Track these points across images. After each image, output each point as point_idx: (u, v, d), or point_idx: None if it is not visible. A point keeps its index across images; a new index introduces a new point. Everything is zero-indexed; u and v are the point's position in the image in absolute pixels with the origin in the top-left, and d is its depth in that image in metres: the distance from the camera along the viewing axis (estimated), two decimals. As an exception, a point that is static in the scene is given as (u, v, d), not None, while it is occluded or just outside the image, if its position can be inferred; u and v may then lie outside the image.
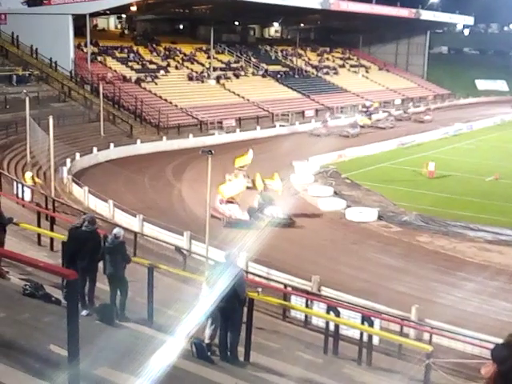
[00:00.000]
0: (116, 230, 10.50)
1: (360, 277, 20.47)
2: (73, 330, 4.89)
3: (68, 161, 31.59)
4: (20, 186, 23.05)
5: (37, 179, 27.33)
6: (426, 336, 14.27)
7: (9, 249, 10.22)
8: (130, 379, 6.46)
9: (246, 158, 30.48)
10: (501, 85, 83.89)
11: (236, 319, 9.24)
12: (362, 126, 51.67)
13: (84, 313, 9.61)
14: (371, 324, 11.80)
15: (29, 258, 5.40)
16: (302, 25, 78.97)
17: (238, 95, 55.96)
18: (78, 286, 8.77)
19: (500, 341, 7.68)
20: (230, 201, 26.26)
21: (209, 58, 59.74)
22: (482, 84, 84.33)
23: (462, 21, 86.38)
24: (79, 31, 49.13)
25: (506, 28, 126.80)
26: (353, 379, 10.26)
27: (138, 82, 50.94)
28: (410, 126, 55.55)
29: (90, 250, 9.94)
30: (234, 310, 9.13)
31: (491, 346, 8.12)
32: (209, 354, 8.97)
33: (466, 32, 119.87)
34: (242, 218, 25.57)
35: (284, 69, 66.94)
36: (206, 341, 9.16)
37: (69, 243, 10.48)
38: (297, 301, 14.91)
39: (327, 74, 69.88)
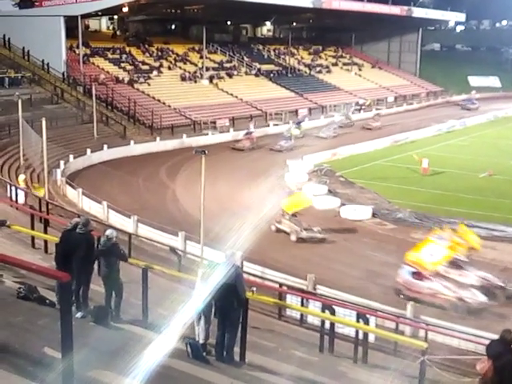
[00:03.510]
0: (108, 232, 10.48)
1: (355, 274, 20.52)
2: (66, 332, 4.88)
3: (61, 163, 31.55)
4: (14, 188, 23.04)
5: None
6: (422, 333, 14.30)
7: (2, 252, 10.18)
8: (124, 381, 6.45)
9: (300, 200, 25.40)
10: (493, 81, 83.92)
11: (234, 319, 9.20)
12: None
13: (79, 315, 9.59)
14: (366, 322, 11.82)
15: (22, 261, 5.39)
16: (294, 24, 79.07)
17: (232, 95, 55.89)
18: (72, 288, 8.76)
19: (495, 337, 7.73)
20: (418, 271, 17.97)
21: (201, 57, 59.62)
22: (474, 80, 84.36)
23: (453, 18, 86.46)
24: (71, 33, 48.85)
25: (497, 24, 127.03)
26: (348, 377, 10.28)
27: (131, 82, 50.82)
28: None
29: (83, 253, 9.91)
30: (233, 310, 9.10)
31: (486, 342, 8.17)
32: (204, 354, 8.96)
33: (458, 29, 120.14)
34: (480, 300, 17.19)
35: (277, 68, 66.86)
36: (201, 341, 9.13)
37: (60, 246, 10.47)
38: (292, 300, 14.91)
39: (320, 72, 69.84)
